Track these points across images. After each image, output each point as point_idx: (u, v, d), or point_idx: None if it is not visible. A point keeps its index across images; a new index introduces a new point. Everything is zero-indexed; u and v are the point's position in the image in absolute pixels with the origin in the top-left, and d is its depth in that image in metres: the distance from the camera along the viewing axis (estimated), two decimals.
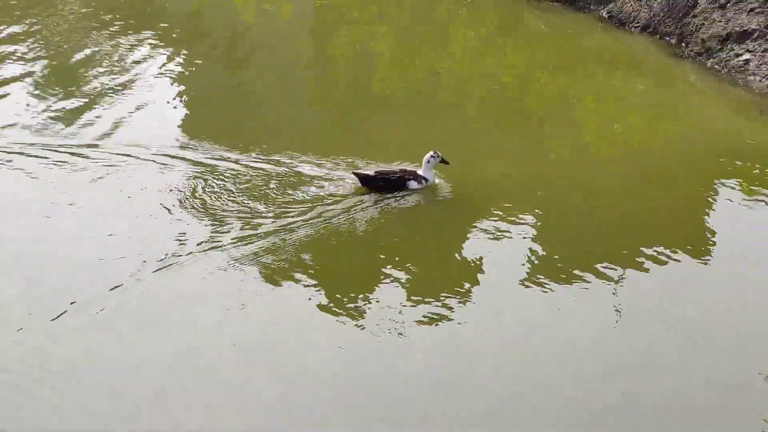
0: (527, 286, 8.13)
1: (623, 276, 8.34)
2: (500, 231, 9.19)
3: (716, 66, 15.16)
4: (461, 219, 9.60)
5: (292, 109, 13.06)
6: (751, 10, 15.29)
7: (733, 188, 10.38)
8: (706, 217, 9.69)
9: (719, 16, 15.80)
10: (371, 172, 9.92)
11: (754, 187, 10.35)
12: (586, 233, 9.39)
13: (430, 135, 11.37)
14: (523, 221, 9.40)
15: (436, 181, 10.17)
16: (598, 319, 7.69)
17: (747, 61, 14.70)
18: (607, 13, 18.68)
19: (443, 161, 10.00)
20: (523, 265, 8.53)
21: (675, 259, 8.64)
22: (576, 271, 8.40)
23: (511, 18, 19.89)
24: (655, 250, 8.76)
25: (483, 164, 10.94)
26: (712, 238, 9.19)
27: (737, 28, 15.24)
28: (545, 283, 8.15)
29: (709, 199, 10.22)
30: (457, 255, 8.75)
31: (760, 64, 14.44)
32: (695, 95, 14.26)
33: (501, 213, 9.54)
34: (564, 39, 17.76)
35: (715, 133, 12.17)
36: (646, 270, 8.48)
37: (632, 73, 15.30)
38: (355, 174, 9.90)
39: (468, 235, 9.16)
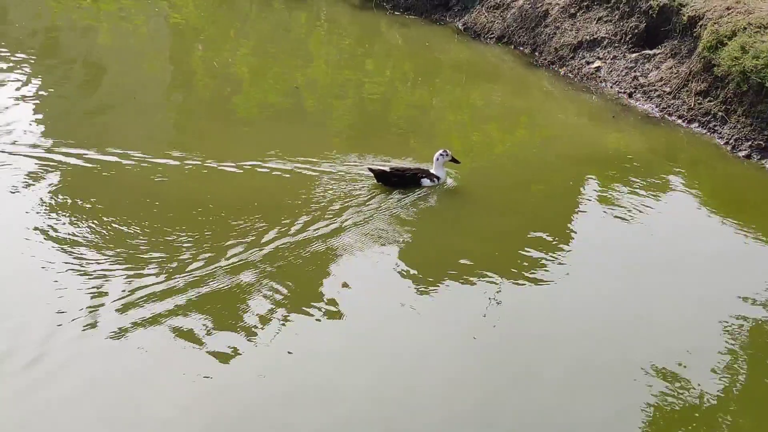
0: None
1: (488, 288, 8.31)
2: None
3: (569, 74, 15.57)
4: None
5: (147, 127, 12.38)
6: (600, 18, 15.81)
7: (593, 191, 10.58)
8: (568, 223, 9.77)
9: (570, 26, 16.27)
10: (387, 168, 10.13)
11: (612, 190, 10.56)
12: (449, 243, 9.27)
13: (293, 150, 10.97)
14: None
15: (449, 180, 10.28)
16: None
17: (598, 68, 15.17)
18: (463, 24, 18.97)
19: (454, 160, 10.18)
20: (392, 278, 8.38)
21: (541, 266, 8.66)
22: (432, 280, 8.33)
23: (369, 32, 19.91)
24: (521, 258, 8.79)
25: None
26: (573, 245, 9.24)
27: (587, 37, 15.73)
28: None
29: (570, 202, 10.34)
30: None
31: (610, 71, 14.92)
32: (551, 102, 14.56)
33: None
34: (422, 51, 17.87)
35: (572, 139, 12.42)
36: (516, 278, 8.48)
37: (489, 83, 15.51)
38: (370, 170, 10.05)
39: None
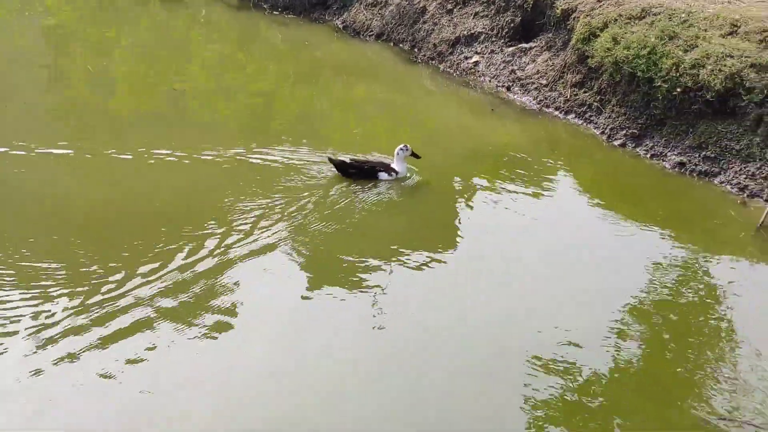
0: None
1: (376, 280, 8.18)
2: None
3: (449, 69, 15.62)
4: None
5: (22, 130, 11.77)
6: (476, 14, 15.91)
7: (476, 185, 10.55)
8: (454, 218, 9.70)
9: (447, 22, 16.33)
10: (347, 159, 10.16)
11: (495, 183, 10.57)
12: (340, 241, 9.11)
13: (173, 151, 10.65)
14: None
15: (408, 174, 10.25)
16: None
17: (477, 63, 15.25)
18: (342, 23, 18.85)
19: (414, 155, 10.18)
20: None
21: (426, 261, 8.59)
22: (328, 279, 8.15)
23: (249, 33, 19.59)
24: (406, 254, 8.70)
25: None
26: (459, 239, 9.18)
27: (465, 32, 15.80)
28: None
29: (455, 197, 10.29)
30: None
31: (489, 65, 15.02)
32: (432, 98, 14.54)
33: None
34: (302, 50, 17.64)
35: (454, 133, 12.40)
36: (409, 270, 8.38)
37: (371, 81, 15.38)
38: (330, 160, 10.10)
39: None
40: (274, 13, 20.42)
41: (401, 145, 10.25)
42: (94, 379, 6.49)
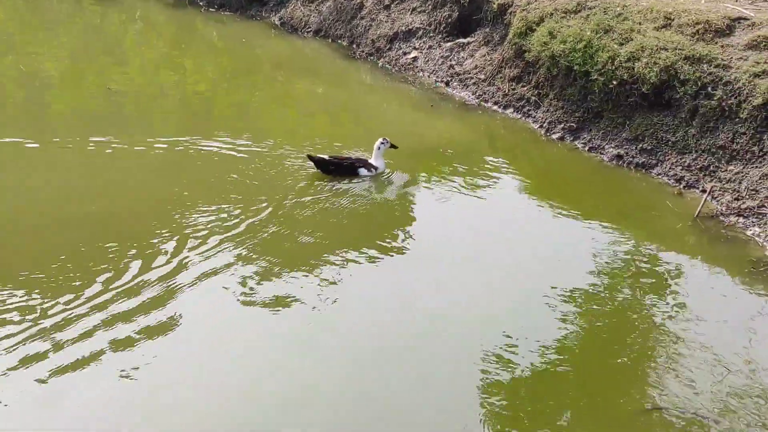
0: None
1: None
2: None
3: (387, 65, 15.55)
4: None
5: None
6: (414, 9, 15.86)
7: (419, 181, 10.49)
8: (399, 215, 9.63)
9: (385, 17, 16.25)
10: (326, 156, 10.07)
11: (437, 179, 10.52)
12: (291, 237, 8.97)
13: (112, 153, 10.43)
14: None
15: (387, 170, 10.22)
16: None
17: (415, 59, 15.20)
18: (279, 19, 18.68)
19: (393, 146, 10.15)
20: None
21: (372, 258, 8.50)
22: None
23: (185, 30, 19.31)
24: (350, 252, 8.60)
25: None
26: (403, 236, 9.09)
27: (403, 28, 15.74)
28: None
29: (399, 193, 10.20)
30: None
31: (427, 60, 14.98)
32: (372, 94, 14.46)
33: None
34: (240, 48, 17.44)
35: (396, 129, 12.27)
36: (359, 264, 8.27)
37: (311, 77, 15.24)
38: (309, 157, 10.01)
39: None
40: (211, 10, 20.17)
41: (381, 139, 10.23)
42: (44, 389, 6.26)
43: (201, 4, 20.33)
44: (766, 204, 9.35)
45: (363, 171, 10.20)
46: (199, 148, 10.82)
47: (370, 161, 10.28)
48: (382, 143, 10.20)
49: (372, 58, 15.91)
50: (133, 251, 8.07)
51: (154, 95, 14.04)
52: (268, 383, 6.50)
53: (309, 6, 18.18)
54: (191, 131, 11.59)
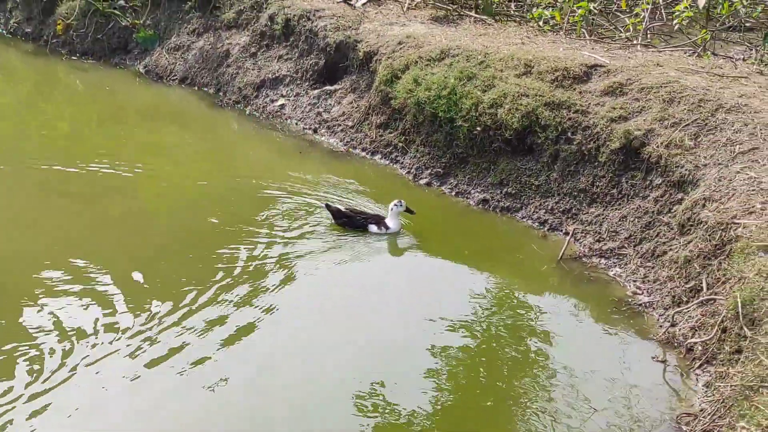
0: None
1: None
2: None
3: (255, 112, 15.28)
4: None
5: None
6: (280, 57, 15.67)
7: (288, 228, 10.22)
8: (278, 265, 9.33)
9: (252, 65, 16.00)
10: (342, 208, 10.15)
11: (308, 226, 10.30)
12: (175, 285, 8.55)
13: None
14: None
15: (401, 230, 9.96)
16: None
17: (282, 106, 14.98)
18: (144, 67, 18.18)
19: (408, 210, 9.75)
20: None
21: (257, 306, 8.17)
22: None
23: (47, 79, 18.56)
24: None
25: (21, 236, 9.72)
26: (274, 288, 8.84)
27: (270, 75, 15.52)
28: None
29: (275, 245, 9.88)
30: None
31: (295, 108, 14.79)
32: (241, 142, 14.14)
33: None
34: (104, 96, 16.84)
35: (265, 177, 11.95)
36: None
37: (178, 126, 14.81)
38: (327, 207, 10.14)
39: None
40: (73, 58, 19.46)
41: (395, 201, 9.93)
42: None
43: (63, 52, 19.59)
44: (626, 245, 9.49)
45: (373, 228, 10.00)
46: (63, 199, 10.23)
47: (388, 219, 10.02)
48: (396, 205, 9.93)
49: (239, 105, 15.62)
50: None
51: (17, 146, 13.34)
52: None
53: (174, 54, 17.76)
54: (54, 184, 11.08)
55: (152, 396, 6.82)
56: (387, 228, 10.07)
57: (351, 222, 10.11)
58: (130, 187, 11.43)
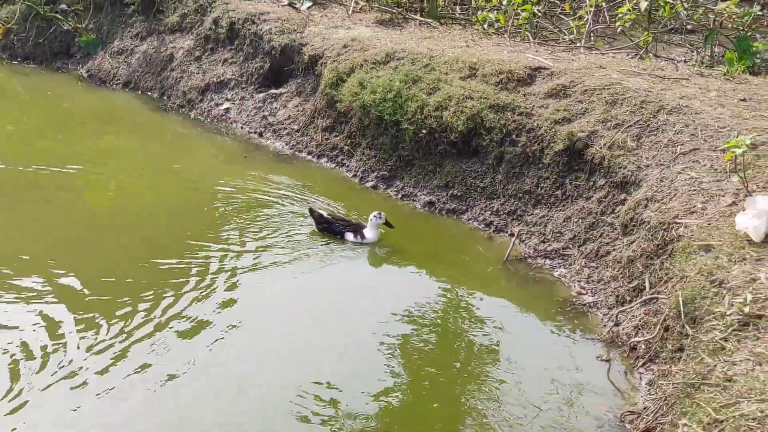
0: None
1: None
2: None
3: (200, 116, 15.08)
4: None
5: None
6: (225, 60, 15.50)
7: (241, 233, 10.06)
8: (226, 268, 9.17)
9: (196, 69, 15.79)
10: (324, 213, 10.03)
11: (253, 228, 10.15)
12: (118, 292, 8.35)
13: None
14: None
15: (377, 240, 9.86)
16: None
17: (228, 110, 14.81)
18: (87, 72, 17.87)
19: (387, 223, 9.56)
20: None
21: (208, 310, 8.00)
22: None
23: None
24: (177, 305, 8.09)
25: None
26: (213, 294, 8.68)
27: (214, 79, 15.33)
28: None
29: (221, 246, 9.71)
30: None
31: (240, 112, 14.62)
32: (186, 146, 13.87)
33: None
34: (46, 101, 16.45)
35: (211, 181, 11.79)
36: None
37: (122, 130, 14.53)
38: (310, 211, 10.14)
39: None
40: (14, 63, 19.03)
41: (375, 213, 9.74)
42: None
43: (3, 56, 19.15)
44: (570, 246, 9.51)
45: (349, 236, 9.85)
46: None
47: (366, 230, 9.86)
48: (375, 216, 9.73)
49: (184, 109, 15.40)
50: None
51: None
52: None
53: (117, 58, 17.47)
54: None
55: (127, 410, 6.64)
56: (363, 237, 9.92)
57: (330, 228, 9.99)
58: (75, 192, 11.17)
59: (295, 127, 13.52)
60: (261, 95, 14.55)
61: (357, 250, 9.81)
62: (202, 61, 15.86)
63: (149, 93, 16.43)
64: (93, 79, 17.54)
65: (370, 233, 9.96)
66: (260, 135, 13.93)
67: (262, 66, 14.81)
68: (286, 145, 13.42)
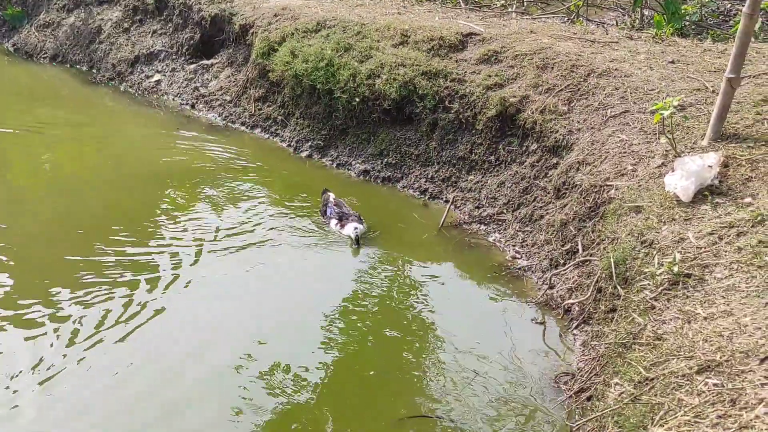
0: None
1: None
2: None
3: (130, 89, 14.69)
4: None
5: None
6: (155, 32, 15.10)
7: (170, 206, 9.82)
8: (153, 248, 8.91)
9: (125, 41, 15.37)
10: (332, 197, 9.73)
11: (189, 203, 9.94)
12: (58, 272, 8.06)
13: None
14: None
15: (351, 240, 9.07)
16: None
17: (159, 82, 14.44)
18: (13, 45, 17.29)
19: (356, 241, 9.05)
20: None
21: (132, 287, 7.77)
22: None
23: None
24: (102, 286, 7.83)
25: None
26: (160, 266, 8.45)
27: (144, 51, 14.93)
28: None
29: (151, 222, 9.46)
30: None
31: (171, 83, 14.27)
32: (117, 119, 13.50)
33: None
34: None
35: (142, 155, 11.53)
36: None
37: (51, 104, 14.08)
38: (324, 190, 9.98)
39: None
40: None
41: (358, 227, 9.18)
42: None
43: None
44: (504, 211, 9.47)
45: (332, 223, 9.42)
46: None
47: (349, 224, 9.25)
48: (357, 229, 9.16)
49: (114, 82, 14.98)
50: None
51: None
52: None
53: (44, 31, 16.90)
54: None
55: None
56: (342, 228, 9.43)
57: (324, 212, 9.68)
58: (0, 168, 10.80)
59: (228, 98, 13.24)
60: (192, 66, 14.21)
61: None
62: (130, 32, 15.43)
63: (78, 66, 15.96)
64: (19, 53, 16.99)
65: (348, 229, 9.71)
66: (192, 107, 13.62)
67: (192, 37, 14.46)
68: (219, 116, 13.14)
